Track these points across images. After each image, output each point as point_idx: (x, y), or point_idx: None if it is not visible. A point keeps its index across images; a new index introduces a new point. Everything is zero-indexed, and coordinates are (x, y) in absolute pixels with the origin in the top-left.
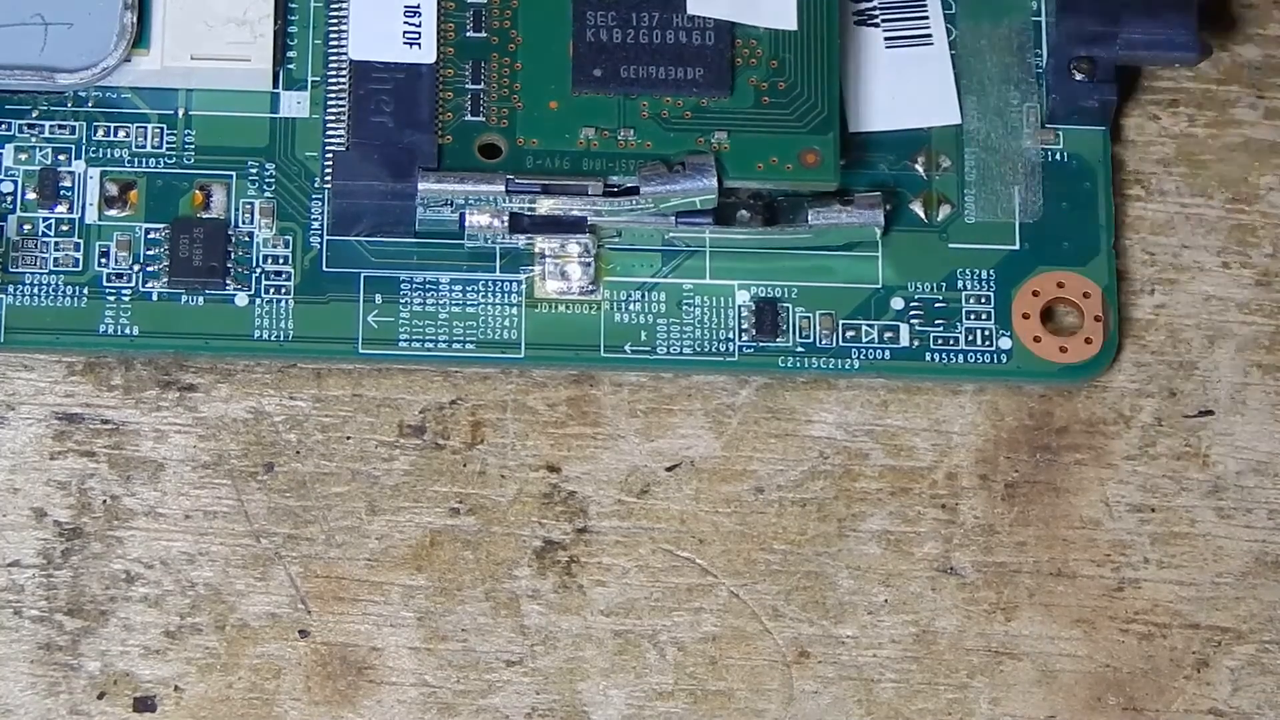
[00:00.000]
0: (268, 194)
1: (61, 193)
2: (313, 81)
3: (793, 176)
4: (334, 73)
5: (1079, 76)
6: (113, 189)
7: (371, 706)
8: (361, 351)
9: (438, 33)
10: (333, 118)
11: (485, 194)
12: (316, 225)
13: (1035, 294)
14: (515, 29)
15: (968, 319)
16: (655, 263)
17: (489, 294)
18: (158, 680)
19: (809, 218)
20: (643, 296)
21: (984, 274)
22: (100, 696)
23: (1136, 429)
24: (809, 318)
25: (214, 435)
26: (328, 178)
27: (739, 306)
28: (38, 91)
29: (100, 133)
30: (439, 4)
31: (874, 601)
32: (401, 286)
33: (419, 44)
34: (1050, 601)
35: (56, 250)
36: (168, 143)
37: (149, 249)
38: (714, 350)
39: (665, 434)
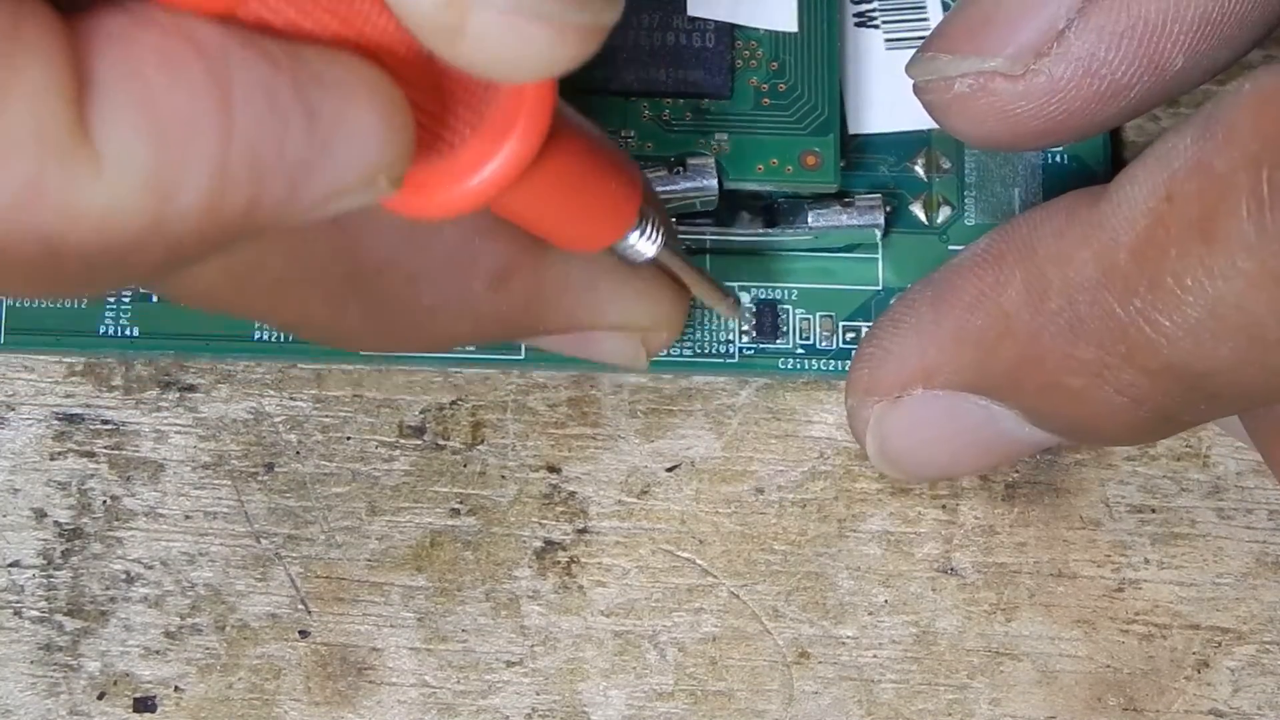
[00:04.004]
0: None
1: None
2: None
3: (793, 178)
4: None
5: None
6: None
7: (371, 707)
8: (362, 352)
9: None
10: None
11: None
12: None
13: None
14: None
15: None
16: None
17: None
18: (158, 680)
19: (809, 220)
20: None
21: None
22: (100, 697)
23: None
24: (809, 319)
25: (214, 436)
26: None
27: (739, 308)
28: None
29: None
30: None
31: (874, 602)
32: None
33: None
34: (1050, 602)
35: None
36: None
37: None
38: (714, 352)
39: (665, 435)
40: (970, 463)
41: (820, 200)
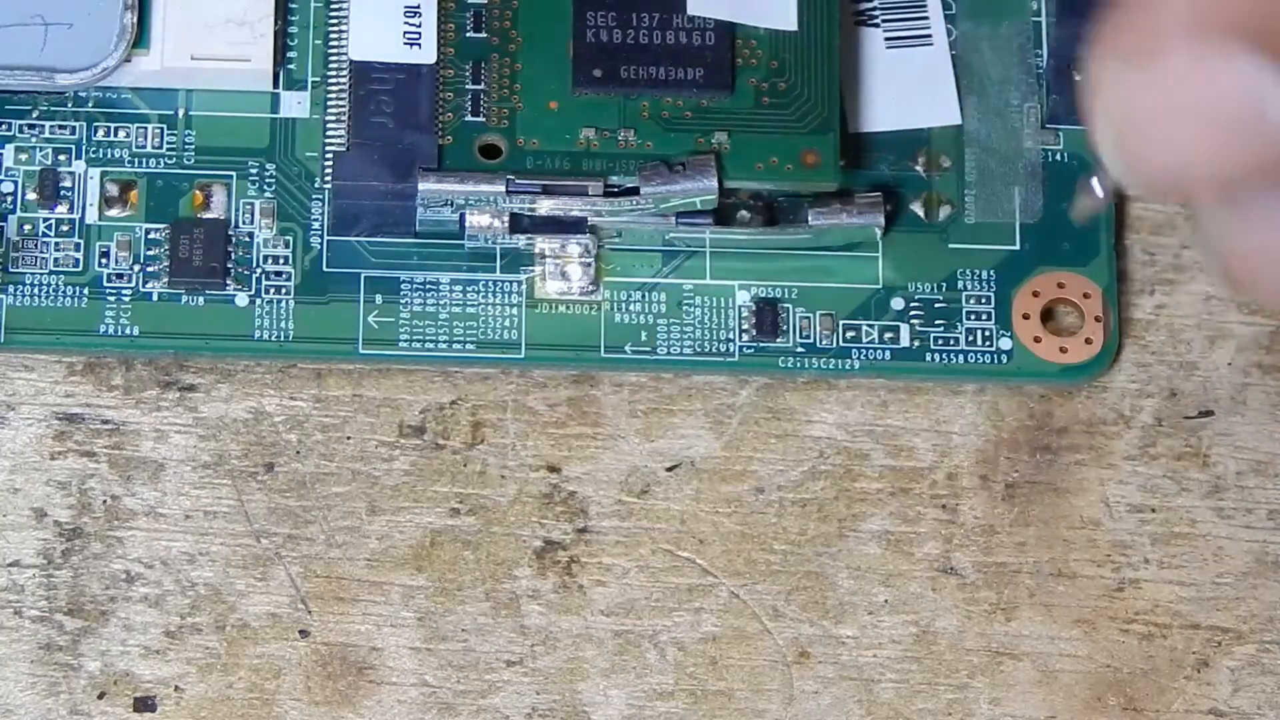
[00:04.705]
0: (268, 194)
1: (62, 193)
2: (313, 82)
3: (793, 177)
4: (334, 73)
5: (1079, 76)
6: (113, 189)
7: (371, 706)
8: (362, 352)
9: (438, 33)
10: (333, 118)
11: (485, 194)
12: (317, 225)
13: (1035, 294)
14: (515, 29)
15: (968, 319)
16: (655, 263)
17: (489, 294)
18: (158, 680)
19: (809, 218)
20: (643, 297)
21: (984, 274)
22: (100, 696)
23: (1136, 429)
24: (809, 318)
25: (214, 435)
26: (328, 178)
27: (739, 307)
28: (38, 91)
29: (100, 133)
30: (439, 4)
31: (874, 601)
32: (402, 287)
33: (419, 44)
34: (1050, 602)
35: (57, 250)
36: (168, 143)
37: (149, 249)
38: (714, 350)
39: (665, 434)
40: (1215, 151)
41: (820, 199)
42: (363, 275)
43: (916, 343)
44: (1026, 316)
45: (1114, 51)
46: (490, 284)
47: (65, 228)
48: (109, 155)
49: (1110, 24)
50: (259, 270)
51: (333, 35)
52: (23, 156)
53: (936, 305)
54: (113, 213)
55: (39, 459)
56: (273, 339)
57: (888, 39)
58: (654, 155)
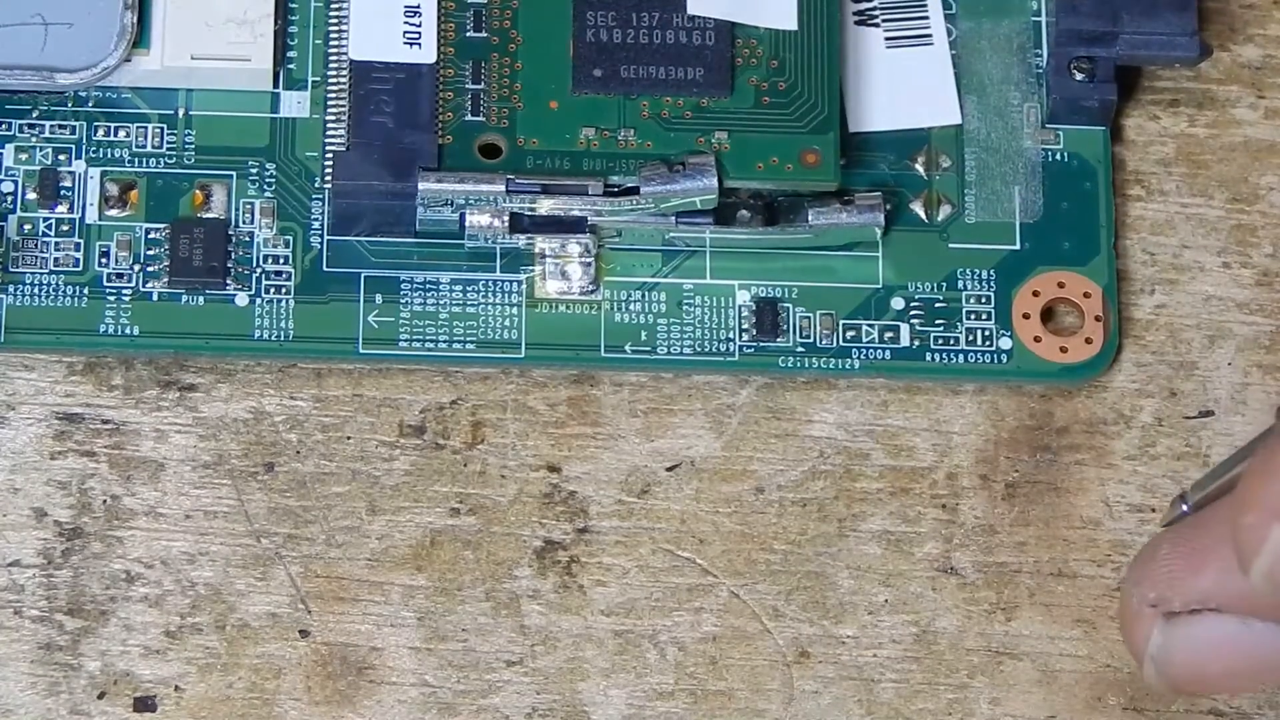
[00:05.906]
0: (268, 194)
1: (62, 193)
2: (313, 81)
3: (793, 176)
4: (334, 73)
5: (1079, 76)
6: (113, 189)
7: (371, 706)
8: (362, 351)
9: (438, 33)
10: (333, 118)
11: (485, 194)
12: (317, 225)
13: (1035, 294)
14: (515, 29)
15: (968, 319)
16: (655, 263)
17: (489, 294)
18: (158, 680)
19: (809, 218)
20: (643, 296)
21: (984, 274)
22: (100, 696)
23: (1137, 429)
24: (809, 318)
25: (214, 435)
26: (328, 178)
27: (739, 306)
28: (38, 91)
29: (100, 133)
30: (439, 4)
31: (874, 601)
32: (402, 286)
33: (419, 44)
34: (1051, 601)
35: (57, 250)
36: (168, 143)
37: (149, 249)
38: (714, 350)
39: (665, 434)
40: (1250, 685)
41: (820, 198)
42: (363, 275)
43: (916, 342)
44: (1026, 316)
45: (1154, 601)
46: (490, 284)
47: (65, 228)
48: (109, 155)
49: (1152, 567)
50: (259, 270)
51: (333, 35)
52: (23, 156)
53: (936, 305)
54: (113, 212)
55: (39, 459)
56: (273, 339)
57: (888, 39)
58: (654, 155)
